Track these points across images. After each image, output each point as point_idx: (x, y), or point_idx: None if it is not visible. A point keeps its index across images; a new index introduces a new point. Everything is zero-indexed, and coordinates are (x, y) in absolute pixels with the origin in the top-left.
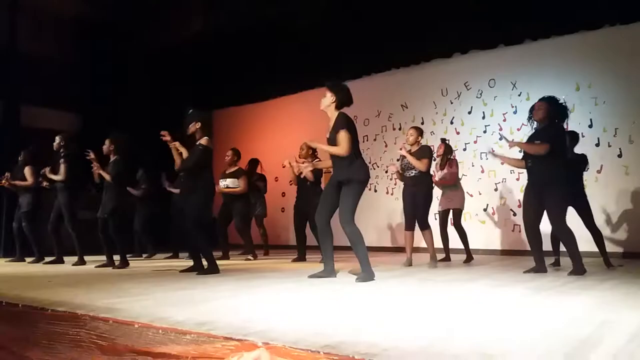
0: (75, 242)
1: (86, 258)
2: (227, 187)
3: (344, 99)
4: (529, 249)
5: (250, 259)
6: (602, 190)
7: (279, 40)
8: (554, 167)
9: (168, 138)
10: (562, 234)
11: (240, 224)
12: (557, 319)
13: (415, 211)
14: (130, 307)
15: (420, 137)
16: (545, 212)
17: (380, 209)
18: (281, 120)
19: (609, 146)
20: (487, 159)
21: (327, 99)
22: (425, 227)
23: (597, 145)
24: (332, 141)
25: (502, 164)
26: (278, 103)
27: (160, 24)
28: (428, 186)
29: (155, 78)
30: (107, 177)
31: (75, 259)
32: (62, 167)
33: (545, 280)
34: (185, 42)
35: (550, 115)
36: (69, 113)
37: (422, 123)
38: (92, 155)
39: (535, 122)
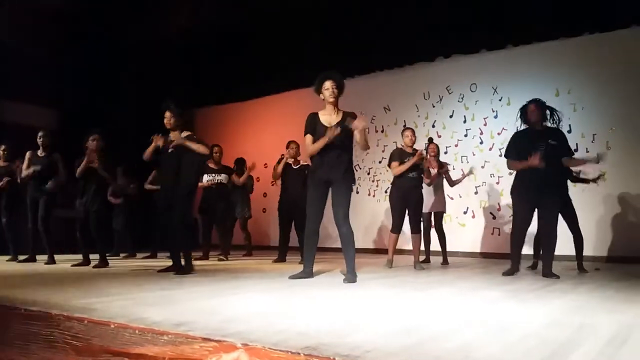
0: (45, 240)
1: (59, 257)
2: (220, 182)
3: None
4: (508, 252)
5: (222, 259)
6: (580, 195)
7: (262, 40)
8: (560, 170)
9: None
10: (552, 234)
11: (222, 223)
12: (535, 322)
13: (411, 214)
14: (107, 307)
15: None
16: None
17: (363, 211)
18: (263, 120)
19: (587, 152)
20: (467, 162)
21: (337, 91)
22: (417, 230)
23: (576, 150)
24: (343, 132)
25: (483, 183)
26: (260, 103)
27: (142, 21)
28: (419, 190)
29: (137, 75)
30: (106, 175)
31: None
32: (60, 164)
33: (523, 284)
34: (168, 39)
35: (544, 117)
36: (47, 109)
37: (404, 126)
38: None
39: (521, 123)
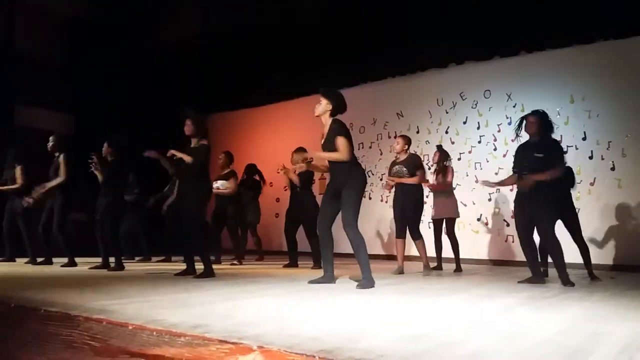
0: (62, 244)
1: (77, 260)
2: (218, 189)
3: (338, 106)
4: (521, 259)
5: (235, 264)
6: (594, 203)
7: (275, 46)
8: (548, 184)
9: (154, 155)
10: (549, 246)
11: (232, 228)
12: (548, 330)
13: (406, 221)
14: (124, 308)
15: (407, 146)
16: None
17: (374, 216)
18: (277, 126)
19: (602, 159)
20: (481, 169)
21: (322, 106)
22: (417, 237)
23: (591, 158)
24: (327, 148)
25: (497, 190)
26: (274, 109)
27: (157, 26)
28: (417, 195)
29: (152, 80)
30: (100, 177)
31: (65, 260)
32: (62, 166)
33: (536, 291)
34: (182, 45)
35: (542, 129)
36: (63, 113)
37: (418, 132)
38: (95, 159)
39: (517, 133)
